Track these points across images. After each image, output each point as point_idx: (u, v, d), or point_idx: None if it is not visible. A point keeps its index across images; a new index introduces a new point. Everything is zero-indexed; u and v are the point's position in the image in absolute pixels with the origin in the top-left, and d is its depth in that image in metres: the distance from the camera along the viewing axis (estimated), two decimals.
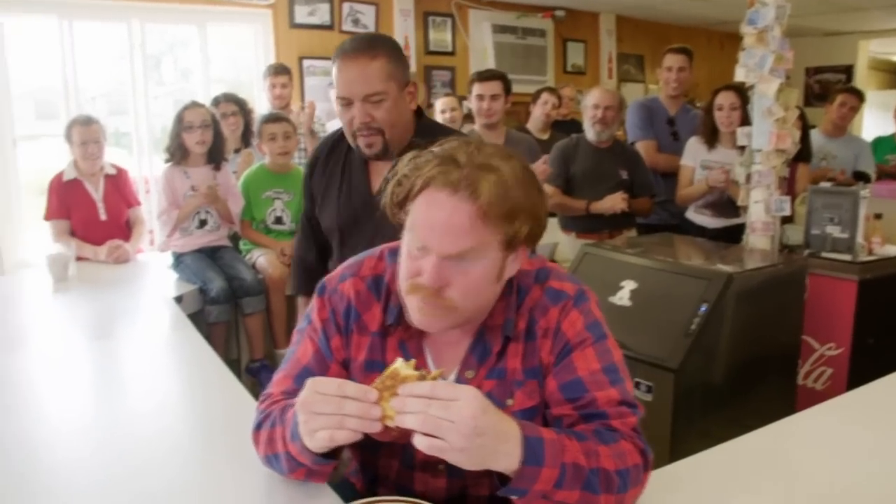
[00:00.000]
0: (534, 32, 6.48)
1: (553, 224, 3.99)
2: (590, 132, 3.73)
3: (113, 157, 3.80)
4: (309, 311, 1.37)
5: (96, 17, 4.84)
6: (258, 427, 1.29)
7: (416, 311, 1.19)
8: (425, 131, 1.90)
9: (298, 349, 1.35)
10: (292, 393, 1.32)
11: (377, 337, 1.30)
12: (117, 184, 3.63)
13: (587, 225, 3.75)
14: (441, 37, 6.13)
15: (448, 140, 1.20)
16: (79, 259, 3.20)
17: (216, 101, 4.02)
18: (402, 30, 5.83)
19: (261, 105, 4.89)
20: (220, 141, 3.51)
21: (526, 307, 1.27)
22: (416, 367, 1.08)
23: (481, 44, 6.24)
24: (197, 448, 1.56)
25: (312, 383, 1.09)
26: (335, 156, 2.06)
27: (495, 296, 1.24)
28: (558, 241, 3.94)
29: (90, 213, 3.51)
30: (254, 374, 3.43)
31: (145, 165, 4.89)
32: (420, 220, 1.15)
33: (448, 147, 1.17)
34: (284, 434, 1.19)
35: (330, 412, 1.06)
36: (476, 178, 1.10)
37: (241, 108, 4.11)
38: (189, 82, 5.33)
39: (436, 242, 1.12)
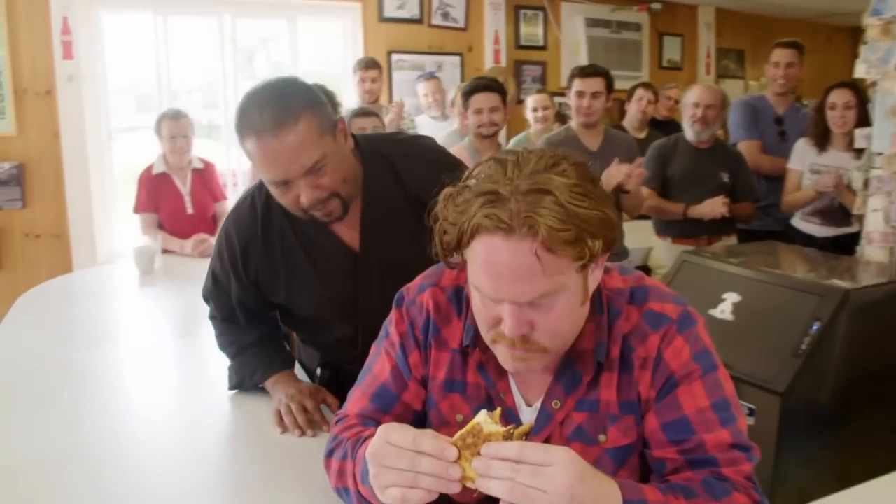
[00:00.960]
0: (628, 26, 6.24)
1: (647, 227, 3.81)
2: (689, 132, 3.53)
3: (204, 149, 3.82)
4: (387, 323, 1.27)
5: (190, 12, 4.91)
6: (330, 454, 1.20)
7: (505, 358, 1.08)
8: (373, 157, 1.61)
9: (375, 365, 1.26)
10: (368, 415, 1.22)
11: (458, 354, 1.19)
12: (204, 178, 3.65)
13: (684, 230, 3.54)
14: (532, 31, 5.97)
15: (479, 165, 1.03)
16: (165, 252, 3.23)
17: None
18: (493, 24, 5.71)
19: (350, 100, 4.86)
20: None
21: (618, 331, 1.12)
22: (504, 419, 0.95)
23: (574, 38, 6.05)
24: (278, 444, 1.50)
25: (385, 432, 0.97)
26: (271, 230, 1.63)
27: (584, 319, 1.11)
28: (652, 246, 3.75)
29: (177, 207, 3.54)
30: None
31: (234, 159, 4.94)
32: (481, 271, 1.00)
33: (485, 178, 1.00)
34: (356, 472, 1.10)
35: (402, 468, 0.94)
36: (529, 210, 0.94)
37: (329, 101, 4.06)
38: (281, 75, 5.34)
39: (506, 292, 0.99)
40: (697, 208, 3.42)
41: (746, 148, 3.81)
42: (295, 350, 3.04)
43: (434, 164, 1.54)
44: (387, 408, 1.22)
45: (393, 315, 1.26)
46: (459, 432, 0.94)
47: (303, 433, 1.50)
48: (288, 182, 1.44)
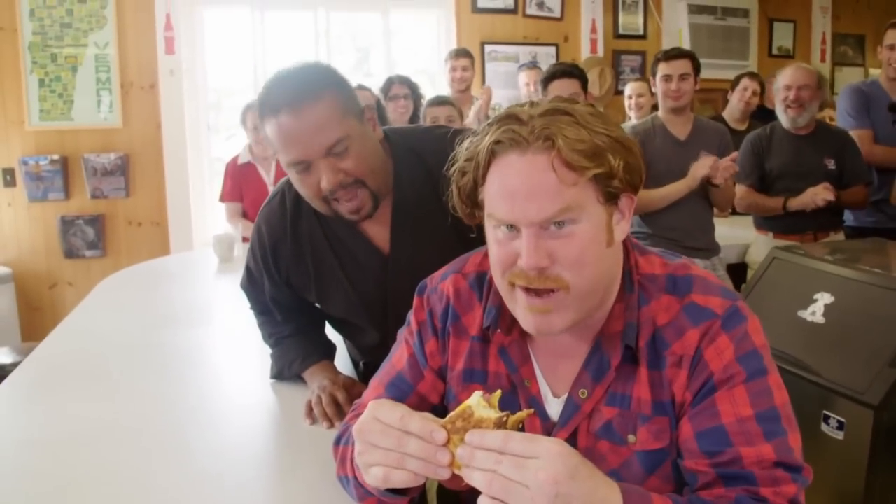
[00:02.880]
0: (735, 12, 5.90)
1: (745, 222, 3.59)
2: (784, 118, 3.28)
3: None
4: (410, 312, 1.22)
5: (285, 7, 5.00)
6: (337, 441, 1.15)
7: (523, 312, 0.98)
8: (404, 153, 1.53)
9: (395, 354, 1.21)
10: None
11: (477, 342, 1.11)
12: None
13: (787, 224, 3.30)
14: (631, 20, 5.75)
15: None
16: (245, 240, 3.28)
17: (390, 83, 4.00)
18: (590, 13, 5.53)
19: (443, 90, 4.82)
20: (384, 125, 3.46)
21: (647, 317, 1.02)
22: (525, 403, 0.87)
23: (675, 26, 5.78)
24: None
25: (374, 407, 0.90)
26: (300, 230, 1.57)
27: (613, 273, 1.03)
28: (750, 242, 3.52)
29: (261, 196, 3.56)
30: None
31: None
32: (497, 195, 0.96)
33: (503, 110, 0.98)
34: (353, 456, 1.03)
35: (388, 447, 0.87)
36: (546, 125, 0.92)
37: (412, 91, 4.05)
38: (391, 72, 5.36)
39: (521, 213, 0.93)
40: (798, 199, 3.17)
41: (857, 137, 3.51)
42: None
43: None
44: (401, 397, 1.16)
45: (414, 303, 1.21)
46: (450, 414, 0.86)
47: (331, 425, 1.46)
48: (308, 164, 1.36)
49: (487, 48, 5.35)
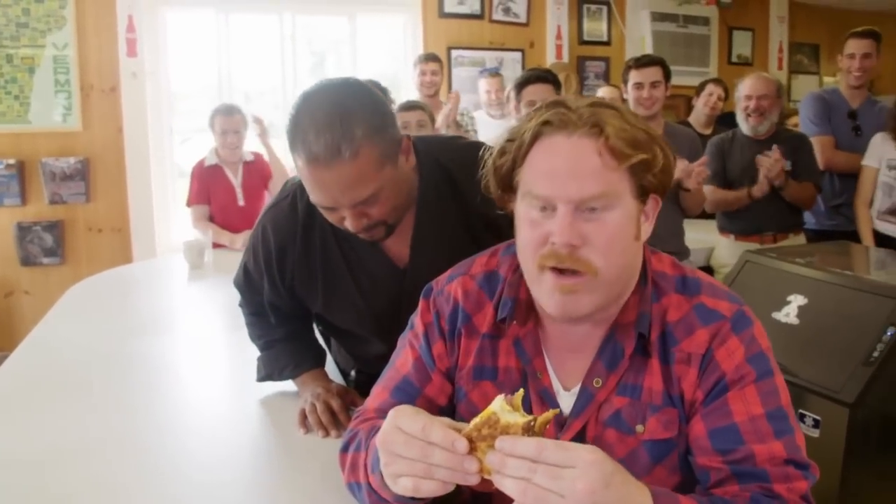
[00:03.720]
0: (696, 20, 6.03)
1: (709, 226, 3.65)
2: (744, 125, 3.38)
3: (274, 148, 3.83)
4: (413, 315, 1.21)
5: (250, 10, 4.95)
6: (345, 448, 1.14)
7: (550, 292, 0.99)
8: (430, 167, 1.47)
9: (398, 359, 1.19)
10: (388, 409, 1.15)
11: (487, 339, 1.12)
12: (254, 169, 3.65)
13: (748, 226, 3.39)
14: (596, 26, 5.82)
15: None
16: (215, 246, 3.24)
17: None
18: (555, 19, 5.59)
19: (409, 95, 4.81)
20: None
21: (658, 311, 1.05)
22: (537, 396, 0.87)
23: (639, 33, 5.88)
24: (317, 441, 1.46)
25: (395, 417, 0.89)
26: (311, 236, 1.51)
27: (635, 266, 1.06)
28: (714, 245, 3.59)
29: (229, 199, 3.56)
30: None
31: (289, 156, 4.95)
32: (538, 173, 0.99)
33: (547, 99, 1.04)
34: (367, 462, 1.03)
35: (413, 458, 0.86)
36: (594, 113, 0.97)
37: (383, 95, 4.02)
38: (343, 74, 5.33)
39: (561, 190, 0.96)
40: (758, 184, 3.24)
41: (818, 144, 3.60)
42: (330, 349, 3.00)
43: None
44: (408, 401, 1.14)
45: (420, 306, 1.20)
46: (475, 421, 0.85)
47: (327, 433, 1.43)
48: (335, 209, 1.33)
49: (454, 53, 5.36)
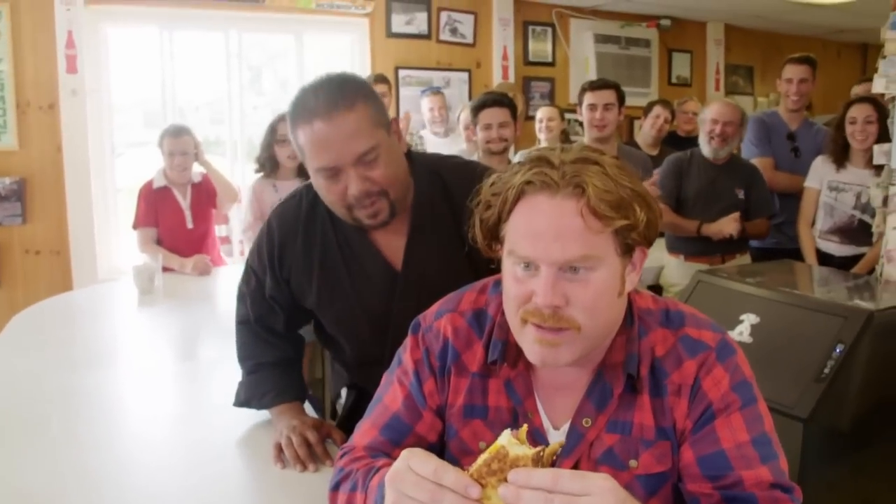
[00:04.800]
0: (638, 42, 6.20)
1: (659, 245, 3.73)
2: (706, 148, 3.45)
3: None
4: (400, 351, 1.20)
5: (196, 28, 4.87)
6: (336, 487, 1.11)
7: (533, 343, 1.00)
8: (425, 173, 1.56)
9: (386, 395, 1.18)
10: (378, 447, 1.14)
11: (478, 378, 1.12)
12: (202, 190, 3.58)
13: (697, 247, 3.47)
14: (541, 47, 5.92)
15: (533, 150, 1.04)
16: (165, 270, 3.16)
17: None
18: (501, 40, 5.67)
19: None
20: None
21: (647, 347, 1.07)
22: (531, 438, 0.87)
23: (582, 54, 6.00)
24: (281, 476, 1.42)
25: (408, 457, 0.89)
26: (312, 232, 1.57)
27: (619, 318, 1.06)
28: (664, 265, 3.67)
29: (178, 221, 3.47)
30: None
31: (238, 175, 4.88)
32: (521, 233, 0.99)
33: (535, 152, 1.02)
34: (367, 503, 1.02)
35: (423, 500, 0.85)
36: (577, 172, 0.96)
37: None
38: (287, 92, 5.30)
39: (543, 252, 0.96)
40: (710, 227, 3.34)
41: (759, 165, 3.73)
42: (306, 368, 2.96)
43: None
44: (398, 439, 1.14)
45: (408, 342, 1.19)
46: (483, 457, 0.85)
47: (304, 468, 1.41)
48: (337, 170, 1.39)
49: (402, 73, 5.38)
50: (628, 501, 0.83)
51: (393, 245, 1.54)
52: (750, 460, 1.00)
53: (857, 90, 4.48)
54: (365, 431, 1.17)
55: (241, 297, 1.72)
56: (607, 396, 1.06)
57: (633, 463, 1.05)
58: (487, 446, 0.89)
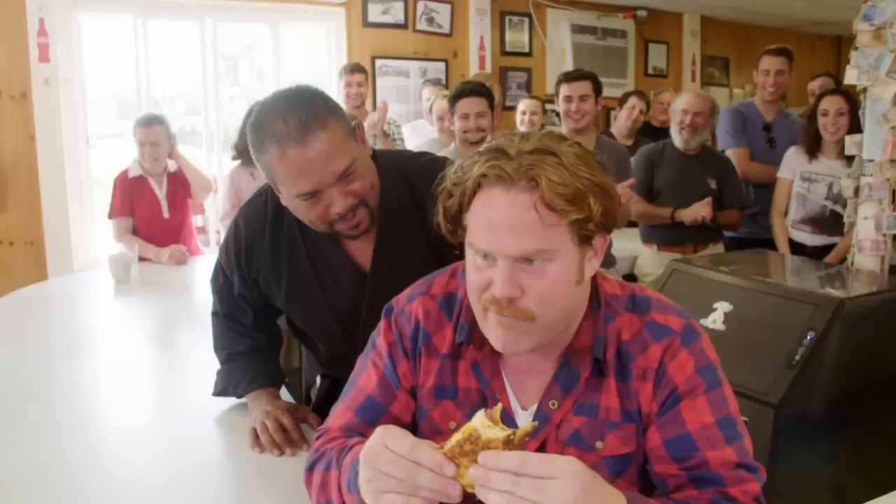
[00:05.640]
0: (614, 33, 6.22)
1: (633, 235, 3.76)
2: (677, 138, 3.49)
3: (186, 155, 3.73)
4: (374, 334, 1.22)
5: (170, 16, 4.83)
6: (311, 467, 1.13)
7: (493, 329, 1.03)
8: (391, 175, 1.53)
9: (361, 377, 1.20)
10: (353, 428, 1.16)
11: (447, 359, 1.14)
12: (178, 180, 3.55)
13: (670, 237, 3.51)
14: (518, 37, 5.92)
15: (492, 139, 1.05)
16: (140, 260, 3.13)
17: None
18: (478, 30, 5.66)
19: None
20: None
21: (613, 332, 1.09)
22: (502, 417, 0.89)
23: (559, 45, 6.02)
24: (258, 461, 1.42)
25: (383, 435, 0.91)
26: (279, 235, 1.56)
27: (580, 304, 1.08)
28: (638, 255, 3.70)
29: (153, 211, 3.44)
30: None
31: (214, 165, 4.85)
32: (479, 226, 1.01)
33: (493, 142, 1.03)
34: (340, 481, 1.03)
35: (400, 477, 0.88)
36: (532, 165, 0.96)
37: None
38: (263, 83, 5.27)
39: (499, 245, 0.98)
40: (684, 212, 3.37)
41: (735, 155, 3.78)
42: (283, 358, 2.95)
43: None
44: (373, 420, 1.16)
45: (381, 325, 1.22)
46: (455, 437, 0.87)
47: (281, 452, 1.42)
48: (318, 193, 1.36)
49: (378, 62, 5.36)
50: (594, 483, 0.85)
51: (361, 247, 1.53)
52: (715, 441, 1.02)
53: (812, 86, 4.56)
54: (340, 413, 1.19)
55: (213, 291, 1.73)
56: (574, 380, 1.09)
57: (599, 444, 1.07)
58: (458, 426, 0.91)
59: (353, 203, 1.39)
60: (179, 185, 3.54)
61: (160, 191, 3.47)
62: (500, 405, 0.90)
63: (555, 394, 1.09)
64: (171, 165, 3.54)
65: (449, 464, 0.86)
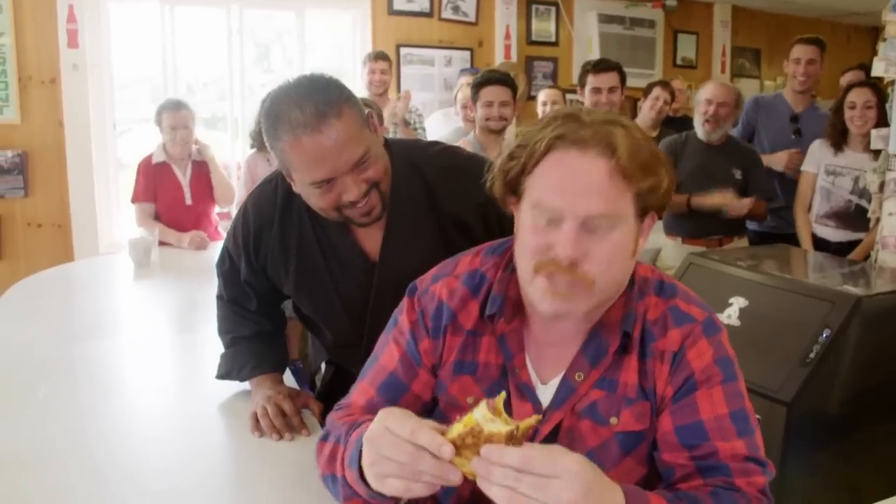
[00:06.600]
0: (642, 23, 6.14)
1: (657, 227, 3.71)
2: (700, 129, 3.43)
3: (212, 140, 3.77)
4: (396, 312, 1.23)
5: (197, 2, 4.87)
6: (325, 438, 1.15)
7: (543, 293, 1.03)
8: (404, 165, 1.52)
9: (383, 355, 1.21)
10: (375, 406, 1.15)
11: (471, 336, 1.15)
12: (203, 170, 3.58)
13: (695, 229, 3.46)
14: (544, 26, 5.88)
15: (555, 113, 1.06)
16: (161, 244, 3.17)
17: None
18: (504, 18, 5.62)
19: (358, 93, 4.76)
20: None
21: (641, 310, 1.10)
22: (517, 391, 0.93)
23: (586, 34, 5.96)
24: (271, 444, 1.45)
25: (385, 417, 0.93)
26: (288, 222, 1.56)
27: (626, 279, 1.09)
28: (661, 247, 3.66)
29: (176, 197, 3.48)
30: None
31: (239, 153, 4.89)
32: (549, 186, 1.01)
33: (562, 109, 1.06)
34: (344, 455, 1.05)
35: (402, 461, 0.89)
36: (607, 133, 0.99)
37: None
38: (294, 70, 5.29)
39: (570, 206, 0.99)
40: (702, 198, 3.31)
41: None
42: (294, 345, 2.98)
43: (475, 178, 1.34)
44: (395, 397, 1.17)
45: (404, 304, 1.22)
46: (457, 428, 0.87)
47: (280, 437, 1.43)
48: (332, 180, 1.35)
49: (403, 51, 5.35)
50: (595, 481, 0.85)
51: (371, 237, 1.53)
52: (727, 432, 1.02)
53: (844, 80, 4.46)
54: (362, 391, 1.20)
55: (218, 275, 1.75)
56: (602, 353, 1.09)
57: (613, 420, 1.08)
58: (475, 401, 0.92)
59: (365, 189, 1.39)
60: (204, 174, 3.57)
61: (183, 178, 3.51)
62: (503, 394, 0.90)
63: (581, 366, 1.10)
64: (196, 154, 3.58)
65: (447, 444, 0.86)
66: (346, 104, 1.34)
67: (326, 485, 1.13)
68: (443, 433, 0.88)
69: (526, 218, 1.05)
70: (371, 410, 1.14)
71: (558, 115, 1.03)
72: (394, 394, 1.18)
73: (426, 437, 0.88)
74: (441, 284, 1.19)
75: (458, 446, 0.86)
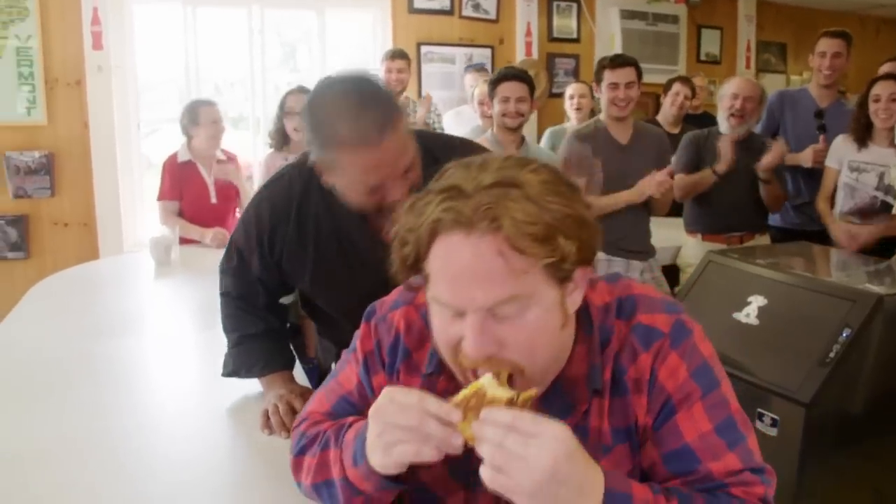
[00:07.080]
0: (665, 18, 6.07)
1: (677, 224, 3.69)
2: (724, 124, 3.39)
3: (235, 139, 3.81)
4: (356, 335, 1.18)
5: (219, 3, 4.91)
6: (301, 452, 1.12)
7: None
8: (426, 158, 1.48)
9: (342, 373, 1.18)
10: (331, 416, 1.15)
11: (427, 379, 1.07)
12: (227, 168, 3.62)
13: (715, 225, 3.43)
14: (566, 23, 5.84)
15: (445, 170, 0.94)
16: (184, 242, 3.20)
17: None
18: (525, 15, 5.60)
19: None
20: None
21: (610, 352, 1.00)
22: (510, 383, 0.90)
23: (608, 30, 5.91)
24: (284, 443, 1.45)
25: (390, 392, 0.93)
26: (305, 216, 1.57)
27: (568, 342, 1.00)
28: (682, 244, 3.63)
29: (202, 195, 3.52)
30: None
31: (261, 152, 4.92)
32: (440, 281, 0.90)
33: (446, 176, 0.91)
34: (342, 458, 1.02)
35: (410, 425, 0.88)
36: (492, 202, 0.85)
37: None
38: (318, 70, 5.31)
39: (467, 300, 0.87)
40: (724, 163, 3.29)
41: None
42: (312, 341, 2.99)
43: None
44: (349, 416, 1.14)
45: (361, 329, 1.15)
46: (463, 392, 0.89)
47: (289, 434, 1.44)
48: (384, 185, 1.39)
49: (424, 49, 5.35)
50: (577, 451, 0.84)
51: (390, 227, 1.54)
52: (717, 449, 0.96)
53: (885, 68, 4.35)
54: (318, 401, 1.19)
55: (223, 272, 1.76)
56: (567, 411, 1.00)
57: None
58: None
59: (408, 189, 1.40)
60: (228, 173, 3.61)
61: (208, 176, 3.55)
62: (507, 370, 0.90)
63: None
64: (219, 154, 3.61)
65: (455, 410, 0.87)
66: (397, 112, 1.38)
67: (317, 495, 1.10)
68: (450, 399, 0.89)
69: (432, 307, 0.95)
70: (333, 417, 1.14)
71: (441, 188, 0.89)
72: (347, 414, 1.14)
73: (434, 403, 0.88)
74: (400, 314, 1.10)
75: (464, 409, 0.88)
